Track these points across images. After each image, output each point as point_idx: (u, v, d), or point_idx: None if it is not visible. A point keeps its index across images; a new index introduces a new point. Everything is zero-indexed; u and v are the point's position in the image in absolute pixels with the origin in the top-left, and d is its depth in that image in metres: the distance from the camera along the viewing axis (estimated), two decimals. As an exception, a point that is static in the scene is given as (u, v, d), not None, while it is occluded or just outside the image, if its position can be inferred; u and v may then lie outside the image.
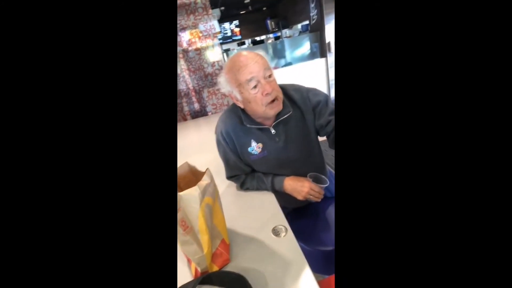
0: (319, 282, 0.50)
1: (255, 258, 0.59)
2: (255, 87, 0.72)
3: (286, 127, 0.83)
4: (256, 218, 0.74)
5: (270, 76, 0.74)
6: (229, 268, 0.57)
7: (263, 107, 0.74)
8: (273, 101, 0.74)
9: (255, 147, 0.84)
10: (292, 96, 0.83)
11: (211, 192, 0.55)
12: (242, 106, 0.81)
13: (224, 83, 0.77)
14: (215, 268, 0.55)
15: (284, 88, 0.83)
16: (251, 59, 0.72)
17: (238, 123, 0.83)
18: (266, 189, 0.86)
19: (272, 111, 0.76)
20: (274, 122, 0.81)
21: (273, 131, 0.83)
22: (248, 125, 0.81)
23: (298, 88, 0.85)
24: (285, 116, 0.80)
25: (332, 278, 0.64)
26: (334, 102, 0.79)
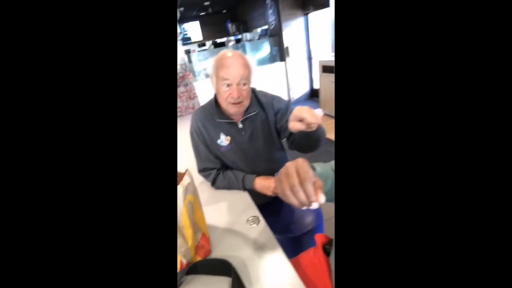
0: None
1: (233, 247, 0.66)
2: (227, 85, 0.84)
3: (252, 124, 0.96)
4: (230, 211, 0.82)
5: (244, 84, 0.85)
6: (211, 257, 0.64)
7: (226, 103, 0.87)
8: (236, 103, 0.87)
9: (224, 139, 0.95)
10: (260, 99, 0.97)
11: (192, 191, 0.61)
12: (215, 92, 0.93)
13: (210, 66, 0.89)
14: (199, 259, 0.62)
15: (254, 91, 0.98)
16: (236, 65, 0.82)
17: (210, 117, 0.95)
18: (237, 188, 0.94)
19: (232, 110, 0.89)
20: (242, 118, 0.93)
21: (240, 125, 0.94)
22: (218, 120, 0.93)
23: (265, 94, 1.01)
24: (252, 113, 0.94)
25: (298, 257, 0.75)
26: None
